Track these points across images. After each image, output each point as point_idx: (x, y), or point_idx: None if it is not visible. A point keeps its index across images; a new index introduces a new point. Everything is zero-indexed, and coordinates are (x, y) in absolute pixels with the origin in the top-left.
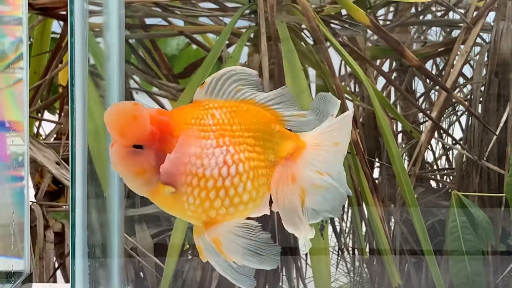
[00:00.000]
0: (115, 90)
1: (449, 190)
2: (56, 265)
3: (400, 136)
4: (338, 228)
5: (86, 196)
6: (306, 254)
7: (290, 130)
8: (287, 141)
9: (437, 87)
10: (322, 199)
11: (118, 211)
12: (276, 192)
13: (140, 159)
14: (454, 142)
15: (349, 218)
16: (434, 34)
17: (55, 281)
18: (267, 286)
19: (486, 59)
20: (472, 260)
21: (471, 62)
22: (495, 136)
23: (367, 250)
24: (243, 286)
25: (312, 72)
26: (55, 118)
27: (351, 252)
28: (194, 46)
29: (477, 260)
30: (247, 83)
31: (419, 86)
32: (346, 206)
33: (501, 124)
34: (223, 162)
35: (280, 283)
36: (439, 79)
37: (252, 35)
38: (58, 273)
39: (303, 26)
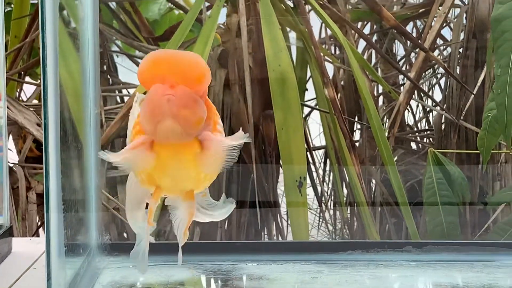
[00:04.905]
0: (90, 52)
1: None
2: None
3: (381, 99)
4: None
5: (59, 148)
6: (287, 214)
7: None
8: None
9: (417, 50)
10: None
11: (94, 158)
12: None
13: (202, 108)
14: (434, 104)
15: (331, 180)
16: None
17: None
18: None
19: (465, 21)
20: (447, 215)
21: (451, 25)
22: (472, 95)
23: (348, 212)
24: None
25: (292, 34)
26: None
27: (332, 215)
28: (176, 11)
29: (452, 215)
30: None
31: (399, 50)
32: (328, 169)
33: (479, 84)
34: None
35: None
36: (418, 41)
37: None
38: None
39: None
